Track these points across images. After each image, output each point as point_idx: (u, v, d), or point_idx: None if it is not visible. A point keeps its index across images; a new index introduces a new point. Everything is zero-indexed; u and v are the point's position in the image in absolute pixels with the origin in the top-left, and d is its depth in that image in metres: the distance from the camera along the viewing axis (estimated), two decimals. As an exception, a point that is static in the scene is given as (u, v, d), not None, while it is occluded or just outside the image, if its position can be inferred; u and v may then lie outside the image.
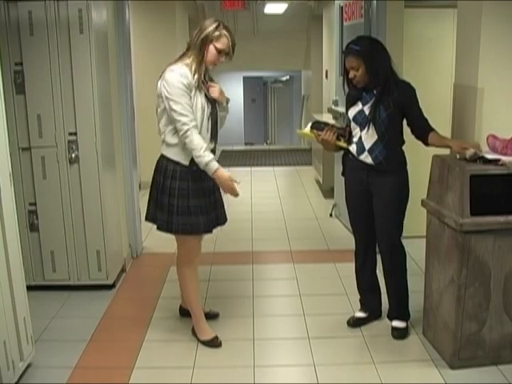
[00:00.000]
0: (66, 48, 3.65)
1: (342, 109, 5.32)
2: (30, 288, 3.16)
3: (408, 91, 3.16)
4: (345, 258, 4.62)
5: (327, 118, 6.26)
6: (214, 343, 3.28)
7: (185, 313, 3.57)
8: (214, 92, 3.15)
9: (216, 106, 3.19)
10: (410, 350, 3.24)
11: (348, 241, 5.02)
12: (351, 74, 3.12)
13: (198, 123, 3.05)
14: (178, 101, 3.00)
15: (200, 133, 3.04)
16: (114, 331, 3.48)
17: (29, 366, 3.03)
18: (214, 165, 3.02)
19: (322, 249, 4.89)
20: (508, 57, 3.11)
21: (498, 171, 2.86)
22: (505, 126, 3.08)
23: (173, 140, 3.11)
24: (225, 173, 3.07)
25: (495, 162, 2.88)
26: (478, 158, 2.93)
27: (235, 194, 3.13)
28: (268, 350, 3.27)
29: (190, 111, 3.01)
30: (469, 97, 3.21)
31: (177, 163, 3.11)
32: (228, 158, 9.33)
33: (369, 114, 3.15)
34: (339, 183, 5.57)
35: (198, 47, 3.09)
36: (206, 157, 2.99)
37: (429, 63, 4.76)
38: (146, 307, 3.79)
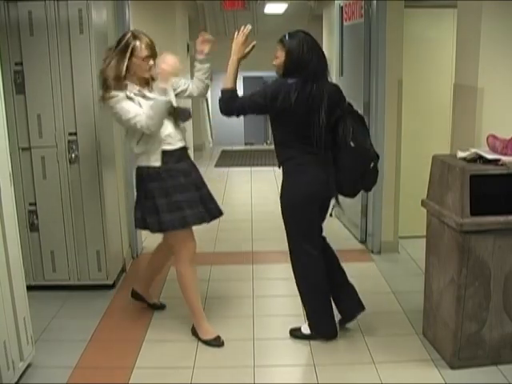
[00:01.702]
0: (66, 48, 3.66)
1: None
2: (30, 288, 3.16)
3: None
4: (345, 258, 4.60)
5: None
6: (217, 342, 3.30)
7: (138, 297, 3.75)
8: (164, 71, 3.11)
9: (175, 111, 3.28)
10: (409, 350, 3.24)
11: (348, 241, 5.04)
12: (274, 60, 3.15)
13: (162, 131, 3.18)
14: (120, 108, 3.10)
15: (163, 132, 3.19)
16: (114, 331, 3.48)
17: (29, 365, 3.03)
18: (159, 98, 3.07)
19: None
20: (508, 57, 3.12)
21: (498, 171, 2.86)
22: (505, 125, 3.08)
23: (139, 149, 3.21)
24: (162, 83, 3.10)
25: (495, 161, 2.88)
26: (478, 158, 2.93)
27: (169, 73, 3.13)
28: (268, 350, 3.27)
29: (131, 110, 3.09)
30: (469, 97, 3.21)
31: (150, 167, 3.21)
32: (228, 158, 9.33)
33: None
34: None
35: (116, 64, 3.13)
36: (154, 105, 3.07)
37: (429, 63, 4.76)
38: (145, 307, 3.79)
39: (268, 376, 3.04)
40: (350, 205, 5.11)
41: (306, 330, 3.33)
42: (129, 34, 3.20)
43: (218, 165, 8.84)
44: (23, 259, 3.02)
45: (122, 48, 3.15)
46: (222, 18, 9.57)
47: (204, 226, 5.65)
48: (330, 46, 7.10)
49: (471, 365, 2.99)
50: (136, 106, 3.12)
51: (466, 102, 3.28)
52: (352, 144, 3.07)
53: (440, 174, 3.06)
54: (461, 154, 3.01)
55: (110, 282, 4.03)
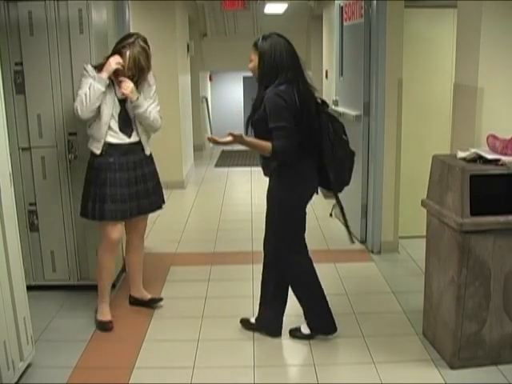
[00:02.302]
0: (66, 48, 3.65)
1: (342, 109, 5.32)
2: (30, 288, 3.16)
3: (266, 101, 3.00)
4: (345, 258, 4.63)
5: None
6: (105, 326, 3.49)
7: (135, 301, 3.82)
8: (126, 89, 3.34)
9: (125, 105, 3.40)
10: (409, 350, 3.24)
11: (347, 241, 5.02)
12: (249, 63, 3.13)
13: (106, 119, 3.32)
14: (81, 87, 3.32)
15: (107, 123, 3.34)
16: (114, 331, 3.48)
17: (29, 365, 3.03)
18: (99, 78, 3.27)
19: (322, 249, 4.89)
20: (508, 56, 3.11)
21: (498, 171, 2.86)
22: (505, 125, 3.08)
23: (88, 132, 3.41)
24: (104, 72, 3.29)
25: (495, 161, 2.88)
26: (478, 158, 2.93)
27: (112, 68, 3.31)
28: (268, 350, 3.27)
29: (82, 87, 3.29)
30: (469, 97, 3.21)
31: (93, 154, 3.40)
32: (228, 158, 9.33)
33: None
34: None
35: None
36: (93, 86, 3.25)
37: (429, 63, 4.76)
38: (146, 307, 3.79)
39: (268, 376, 3.04)
40: (350, 205, 5.12)
41: (305, 329, 3.34)
42: (131, 39, 3.41)
43: (218, 165, 8.85)
44: (23, 259, 3.01)
45: (117, 49, 3.40)
46: (222, 17, 9.56)
47: (204, 225, 5.67)
48: (330, 46, 7.10)
49: (471, 365, 3.00)
50: (86, 87, 3.27)
51: (465, 102, 3.28)
52: (345, 138, 3.18)
53: (440, 174, 3.06)
54: (461, 154, 3.01)
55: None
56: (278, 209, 3.16)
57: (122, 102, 3.40)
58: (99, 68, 3.32)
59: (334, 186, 3.19)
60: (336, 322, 3.32)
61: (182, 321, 3.62)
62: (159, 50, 6.87)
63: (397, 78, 4.47)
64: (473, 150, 2.98)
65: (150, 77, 3.58)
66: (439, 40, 4.71)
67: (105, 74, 3.27)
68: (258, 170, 9.05)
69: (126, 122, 3.42)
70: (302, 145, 3.01)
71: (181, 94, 7.21)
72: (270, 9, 8.66)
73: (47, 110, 3.73)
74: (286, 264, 3.26)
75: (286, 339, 3.38)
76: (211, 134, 11.23)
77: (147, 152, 3.55)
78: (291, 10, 8.82)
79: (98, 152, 3.36)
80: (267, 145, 2.96)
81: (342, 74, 5.47)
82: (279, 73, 2.98)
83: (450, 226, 2.91)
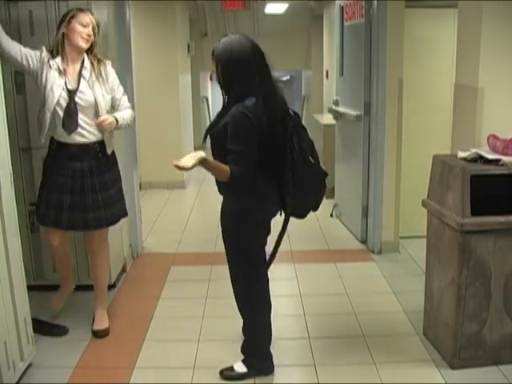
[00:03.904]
0: (66, 48, 3.65)
1: (342, 109, 5.32)
2: (30, 288, 3.15)
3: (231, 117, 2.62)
4: (345, 258, 4.63)
5: (328, 119, 6.28)
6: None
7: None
8: (107, 126, 3.20)
9: (74, 99, 3.17)
10: (410, 350, 3.24)
11: (348, 241, 5.04)
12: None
13: (50, 103, 3.14)
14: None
15: (55, 116, 3.18)
16: (115, 331, 3.48)
17: (29, 365, 3.03)
18: None
19: (323, 249, 4.89)
20: (508, 57, 3.11)
21: (498, 171, 2.86)
22: (505, 125, 3.08)
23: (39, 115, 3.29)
24: None
25: (496, 162, 2.88)
26: (479, 158, 2.93)
27: None
28: (268, 350, 3.27)
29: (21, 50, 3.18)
30: (469, 97, 3.21)
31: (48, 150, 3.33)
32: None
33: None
34: (339, 183, 5.58)
35: (55, 36, 3.24)
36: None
37: (429, 63, 4.76)
38: (146, 307, 3.79)
39: (268, 376, 3.03)
40: (351, 205, 5.12)
41: (240, 367, 3.00)
42: (74, 10, 3.24)
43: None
44: (24, 259, 3.01)
45: (62, 17, 3.22)
46: (223, 17, 9.56)
47: (204, 225, 5.67)
48: (330, 46, 7.10)
49: (471, 365, 2.99)
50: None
51: (466, 102, 3.28)
52: (312, 160, 2.79)
53: (440, 174, 3.06)
54: (461, 154, 3.01)
55: (111, 282, 4.02)
56: (230, 229, 2.83)
57: (71, 93, 3.17)
58: (53, 51, 3.21)
59: (289, 210, 2.82)
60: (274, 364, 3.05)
61: (183, 321, 3.62)
62: (160, 49, 6.91)
63: (397, 78, 4.46)
64: (473, 150, 2.98)
65: (111, 68, 3.38)
66: (440, 40, 4.70)
67: None
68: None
69: (71, 119, 3.17)
70: (261, 163, 2.67)
71: (181, 94, 7.21)
72: (271, 9, 8.66)
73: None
74: (244, 288, 2.95)
75: (286, 339, 3.37)
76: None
77: (108, 151, 3.33)
78: (292, 10, 8.83)
79: (43, 141, 3.25)
80: (226, 170, 2.57)
81: (342, 73, 5.47)
82: (240, 79, 2.61)
83: (451, 226, 2.91)
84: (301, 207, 2.86)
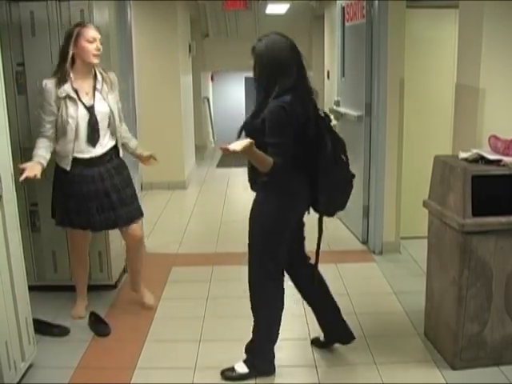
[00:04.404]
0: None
1: (343, 109, 5.32)
2: (31, 288, 3.16)
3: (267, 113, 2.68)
4: (346, 259, 4.63)
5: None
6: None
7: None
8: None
9: (94, 114, 3.31)
10: (411, 351, 3.24)
11: (349, 241, 5.03)
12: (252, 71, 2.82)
13: (71, 130, 3.25)
14: (40, 113, 3.30)
15: (76, 139, 3.29)
16: (116, 331, 3.48)
17: (30, 366, 3.03)
18: (34, 159, 3.24)
19: (323, 249, 4.84)
20: (510, 57, 3.11)
21: (499, 172, 2.86)
22: (506, 126, 3.08)
23: (56, 148, 3.35)
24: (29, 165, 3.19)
25: (497, 162, 2.88)
26: (480, 159, 2.93)
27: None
28: (269, 351, 3.27)
29: (45, 125, 3.28)
30: (470, 97, 3.21)
31: (59, 167, 3.39)
32: (230, 158, 9.32)
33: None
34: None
35: (60, 56, 3.29)
36: (33, 154, 3.27)
37: (430, 63, 4.76)
38: (147, 308, 3.79)
39: (269, 376, 3.03)
40: (352, 205, 5.11)
41: (242, 368, 3.00)
42: (76, 25, 3.31)
43: (219, 165, 8.84)
44: (25, 260, 3.02)
45: (66, 36, 3.26)
46: (224, 18, 9.56)
47: (206, 226, 5.66)
48: (331, 47, 7.10)
49: (473, 365, 2.99)
50: (44, 122, 3.28)
51: (467, 103, 3.28)
52: (344, 158, 2.86)
53: (442, 175, 3.06)
54: (462, 155, 3.00)
55: (112, 283, 4.03)
56: (260, 227, 2.88)
57: (90, 109, 3.30)
58: (60, 75, 3.24)
59: (322, 208, 2.89)
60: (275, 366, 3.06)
61: (184, 321, 3.62)
62: (161, 50, 6.91)
63: (398, 79, 4.46)
64: (474, 151, 2.98)
65: (114, 76, 3.48)
66: (441, 40, 4.70)
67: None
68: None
69: (93, 131, 3.33)
70: (295, 159, 2.72)
71: (182, 95, 7.21)
72: (272, 9, 8.66)
73: (49, 111, 3.72)
74: (259, 286, 2.98)
75: (287, 339, 3.37)
76: (213, 134, 11.23)
77: (121, 154, 3.53)
78: (293, 11, 8.83)
79: (68, 168, 3.33)
80: (269, 159, 2.63)
81: (343, 74, 5.47)
82: (279, 77, 2.67)
83: (452, 227, 2.91)
84: (332, 205, 2.92)
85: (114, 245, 4.03)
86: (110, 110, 3.37)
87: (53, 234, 3.87)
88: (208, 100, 11.02)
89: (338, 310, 3.17)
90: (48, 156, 3.28)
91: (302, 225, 3.05)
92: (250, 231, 2.94)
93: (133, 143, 3.70)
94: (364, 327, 3.46)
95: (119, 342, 3.39)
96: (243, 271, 4.44)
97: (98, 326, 3.50)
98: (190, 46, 8.06)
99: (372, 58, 4.56)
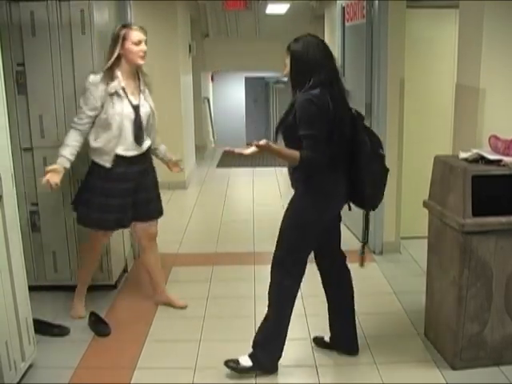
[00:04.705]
0: (68, 48, 3.65)
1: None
2: (31, 288, 3.16)
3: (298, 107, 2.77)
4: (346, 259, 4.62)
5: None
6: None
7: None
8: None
9: (139, 113, 3.39)
10: (411, 351, 3.24)
11: (349, 241, 5.02)
12: (284, 69, 2.91)
13: (116, 127, 3.29)
14: (81, 105, 3.31)
15: (120, 136, 3.31)
16: (116, 331, 3.48)
17: (30, 366, 3.03)
18: (60, 161, 3.26)
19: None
20: (510, 57, 3.11)
21: (499, 172, 2.86)
22: (507, 126, 3.08)
23: (95, 144, 3.34)
24: (53, 170, 3.23)
25: (497, 162, 2.88)
26: (480, 159, 2.93)
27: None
28: (269, 351, 3.27)
29: (82, 119, 3.29)
30: (470, 97, 3.21)
31: (99, 165, 3.36)
32: (230, 158, 9.33)
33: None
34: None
35: (108, 55, 3.33)
36: (61, 150, 3.28)
37: (430, 64, 4.76)
38: (147, 307, 3.80)
39: (269, 376, 3.03)
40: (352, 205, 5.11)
41: (246, 361, 3.01)
42: (118, 27, 3.36)
43: (219, 165, 8.85)
44: (25, 260, 3.02)
45: (113, 37, 3.32)
46: (224, 18, 9.56)
47: (206, 226, 5.67)
48: (331, 47, 7.09)
49: (473, 365, 2.99)
50: (82, 115, 3.29)
51: (467, 103, 3.28)
52: (382, 152, 2.95)
53: (442, 175, 3.06)
54: (463, 155, 3.00)
55: (112, 283, 4.03)
56: (292, 221, 2.92)
57: (136, 108, 3.38)
58: (109, 73, 3.28)
59: (367, 202, 2.97)
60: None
61: (184, 321, 3.62)
62: (161, 50, 6.90)
63: (399, 79, 4.46)
64: (475, 151, 2.98)
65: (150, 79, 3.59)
66: (441, 40, 4.71)
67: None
68: (260, 170, 9.06)
69: (139, 130, 3.41)
70: (333, 158, 2.76)
71: (182, 95, 7.21)
72: (272, 9, 8.65)
73: (49, 111, 3.73)
74: (276, 280, 2.98)
75: (287, 340, 3.37)
76: (213, 134, 11.23)
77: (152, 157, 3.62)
78: (293, 11, 8.82)
79: (108, 166, 3.33)
80: (295, 154, 2.70)
81: (343, 74, 5.46)
82: (312, 75, 2.74)
83: (452, 227, 2.91)
84: (376, 198, 2.98)
85: (114, 245, 4.03)
86: (152, 111, 3.47)
87: (53, 233, 3.88)
88: (208, 100, 11.02)
89: (354, 319, 3.19)
90: (73, 158, 3.30)
91: (337, 224, 3.12)
92: (280, 227, 2.99)
93: (162, 148, 3.75)
94: (364, 327, 3.46)
95: (119, 341, 3.39)
96: (243, 271, 4.47)
97: (98, 325, 3.50)
98: (190, 46, 8.05)
99: (372, 57, 4.56)
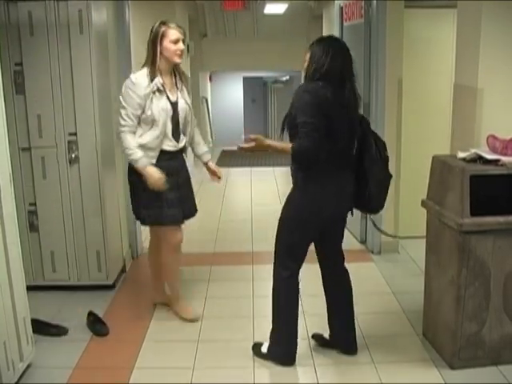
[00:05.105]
0: (66, 48, 3.65)
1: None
2: (29, 288, 3.16)
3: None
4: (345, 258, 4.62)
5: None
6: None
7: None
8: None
9: (177, 109, 3.39)
10: (409, 350, 3.24)
11: (348, 241, 5.01)
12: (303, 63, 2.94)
13: (162, 123, 3.29)
14: (125, 107, 3.26)
15: (163, 132, 3.31)
16: (114, 331, 3.48)
17: (29, 366, 3.03)
18: (143, 162, 3.27)
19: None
20: (508, 57, 3.12)
21: (497, 171, 2.86)
22: (505, 126, 3.09)
23: (141, 141, 3.30)
24: (153, 171, 3.27)
25: (495, 162, 2.88)
26: (478, 159, 2.93)
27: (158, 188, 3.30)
28: (268, 351, 3.27)
29: (132, 119, 3.26)
30: (469, 97, 3.21)
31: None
32: (228, 158, 9.33)
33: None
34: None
35: (149, 52, 3.33)
36: (134, 155, 3.27)
37: (429, 63, 4.76)
38: (146, 307, 3.79)
39: (268, 376, 3.04)
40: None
41: (264, 348, 3.15)
42: (156, 24, 3.32)
43: (218, 165, 8.77)
44: (23, 259, 3.01)
45: (153, 35, 3.29)
46: (222, 18, 9.56)
47: (204, 226, 5.66)
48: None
49: (471, 365, 3.00)
50: (130, 114, 3.25)
51: (465, 103, 3.28)
52: (387, 155, 2.97)
53: (440, 175, 3.06)
54: (461, 155, 3.01)
55: (110, 283, 4.03)
56: (287, 215, 2.96)
57: (174, 104, 3.38)
58: (150, 70, 3.27)
59: (371, 202, 2.97)
60: (295, 358, 3.11)
61: (182, 321, 3.61)
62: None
63: (397, 79, 4.47)
64: (473, 151, 2.98)
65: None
66: (439, 40, 4.71)
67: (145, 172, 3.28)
68: (259, 170, 9.06)
69: (177, 126, 3.42)
70: (334, 154, 2.79)
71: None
72: (270, 9, 8.66)
73: (47, 110, 3.73)
74: (274, 271, 3.08)
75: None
76: (211, 134, 11.23)
77: (186, 155, 3.61)
78: (291, 11, 8.82)
79: (154, 162, 3.31)
80: (287, 145, 2.75)
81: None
82: (323, 74, 2.77)
83: (450, 227, 2.91)
84: (378, 202, 3.00)
85: (111, 244, 4.03)
86: (189, 107, 3.47)
87: (51, 233, 3.88)
88: (206, 100, 11.02)
89: (353, 319, 3.20)
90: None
91: (343, 225, 3.11)
92: (279, 220, 3.04)
93: (201, 148, 3.72)
94: (362, 327, 3.46)
95: (117, 341, 3.39)
96: (242, 271, 4.47)
97: (96, 325, 3.49)
98: (188, 46, 8.05)
99: (370, 57, 4.57)
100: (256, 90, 16.36)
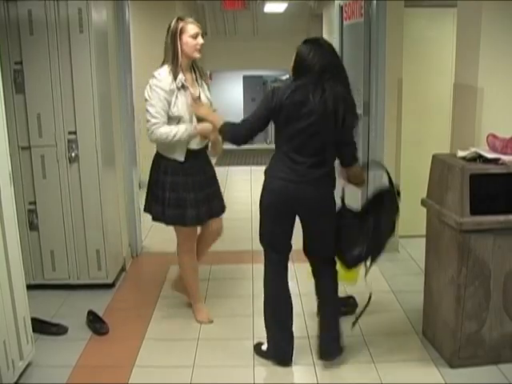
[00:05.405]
0: (65, 47, 3.65)
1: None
2: (29, 287, 3.16)
3: None
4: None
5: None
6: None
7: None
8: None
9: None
10: (409, 350, 3.24)
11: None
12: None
13: (189, 120, 3.27)
14: (153, 104, 3.22)
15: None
16: (114, 330, 3.48)
17: (29, 365, 3.03)
18: (191, 127, 3.26)
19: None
20: (508, 56, 3.12)
21: (497, 170, 2.86)
22: (505, 125, 3.09)
23: None
24: (204, 125, 3.28)
25: (495, 161, 2.88)
26: (478, 158, 2.93)
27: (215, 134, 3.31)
28: (268, 350, 3.27)
29: (163, 115, 3.22)
30: (469, 96, 3.21)
31: (170, 160, 3.32)
32: (228, 157, 9.33)
33: None
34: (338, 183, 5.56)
35: (170, 48, 3.28)
36: (181, 132, 3.23)
37: (429, 63, 4.76)
38: (145, 306, 3.79)
39: (268, 375, 3.04)
40: (350, 204, 5.11)
41: (264, 347, 3.16)
42: (173, 20, 3.30)
43: (218, 164, 8.83)
44: (23, 258, 3.01)
45: (172, 32, 3.27)
46: (222, 17, 9.56)
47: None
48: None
49: (471, 364, 3.00)
50: (160, 110, 3.21)
51: (466, 102, 3.28)
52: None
53: (440, 174, 3.06)
54: (461, 154, 3.01)
55: (110, 281, 4.03)
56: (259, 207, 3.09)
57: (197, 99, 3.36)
58: (173, 66, 3.25)
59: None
60: (289, 357, 3.10)
61: (182, 320, 3.62)
62: (159, 49, 6.87)
63: (397, 78, 4.47)
64: (473, 150, 2.98)
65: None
66: (439, 40, 4.70)
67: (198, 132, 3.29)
68: (258, 169, 9.04)
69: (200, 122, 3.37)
70: (290, 145, 2.88)
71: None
72: (270, 8, 8.66)
73: (47, 110, 3.72)
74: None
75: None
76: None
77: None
78: (291, 10, 8.84)
79: (181, 159, 3.29)
80: (220, 121, 3.07)
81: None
82: (305, 73, 2.84)
83: (450, 226, 2.91)
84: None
85: (111, 243, 4.03)
86: (210, 103, 3.46)
87: (51, 232, 3.88)
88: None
89: (335, 320, 3.13)
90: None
91: (319, 222, 3.12)
92: None
93: None
94: (362, 326, 3.46)
95: (117, 340, 3.39)
96: (241, 270, 4.47)
97: (96, 324, 3.50)
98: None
99: (370, 57, 4.56)
100: (256, 89, 16.36)
